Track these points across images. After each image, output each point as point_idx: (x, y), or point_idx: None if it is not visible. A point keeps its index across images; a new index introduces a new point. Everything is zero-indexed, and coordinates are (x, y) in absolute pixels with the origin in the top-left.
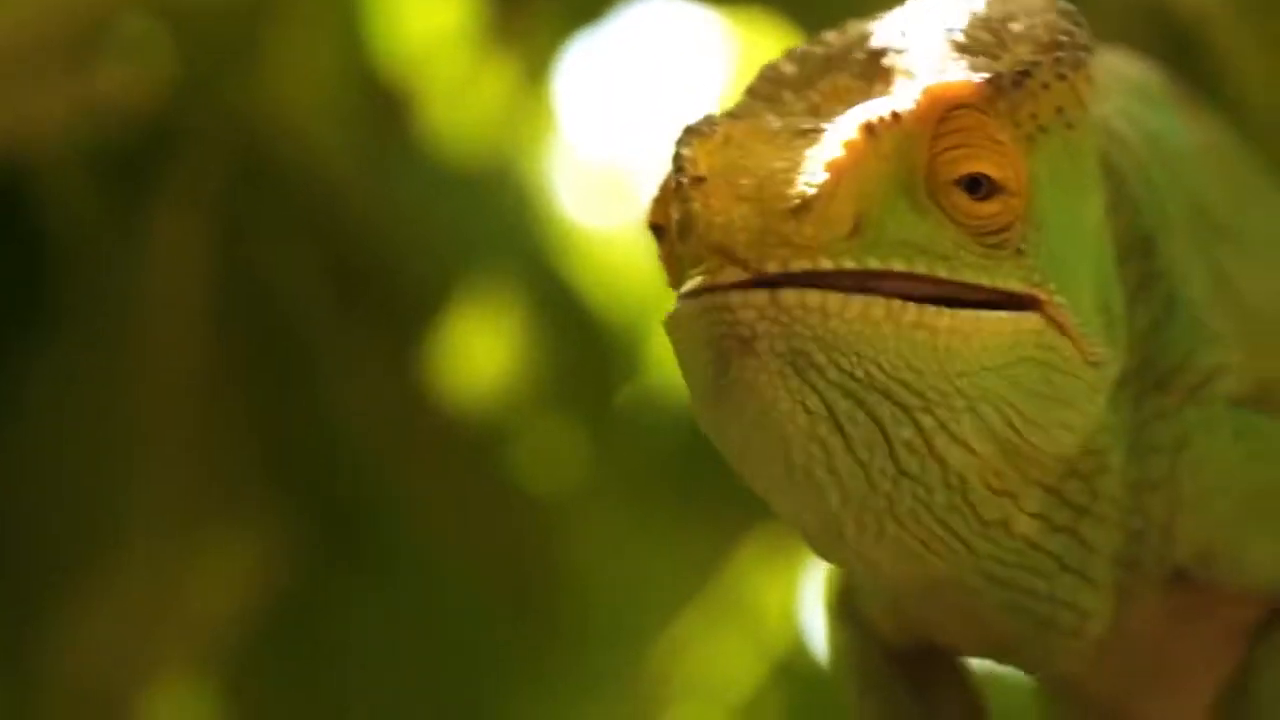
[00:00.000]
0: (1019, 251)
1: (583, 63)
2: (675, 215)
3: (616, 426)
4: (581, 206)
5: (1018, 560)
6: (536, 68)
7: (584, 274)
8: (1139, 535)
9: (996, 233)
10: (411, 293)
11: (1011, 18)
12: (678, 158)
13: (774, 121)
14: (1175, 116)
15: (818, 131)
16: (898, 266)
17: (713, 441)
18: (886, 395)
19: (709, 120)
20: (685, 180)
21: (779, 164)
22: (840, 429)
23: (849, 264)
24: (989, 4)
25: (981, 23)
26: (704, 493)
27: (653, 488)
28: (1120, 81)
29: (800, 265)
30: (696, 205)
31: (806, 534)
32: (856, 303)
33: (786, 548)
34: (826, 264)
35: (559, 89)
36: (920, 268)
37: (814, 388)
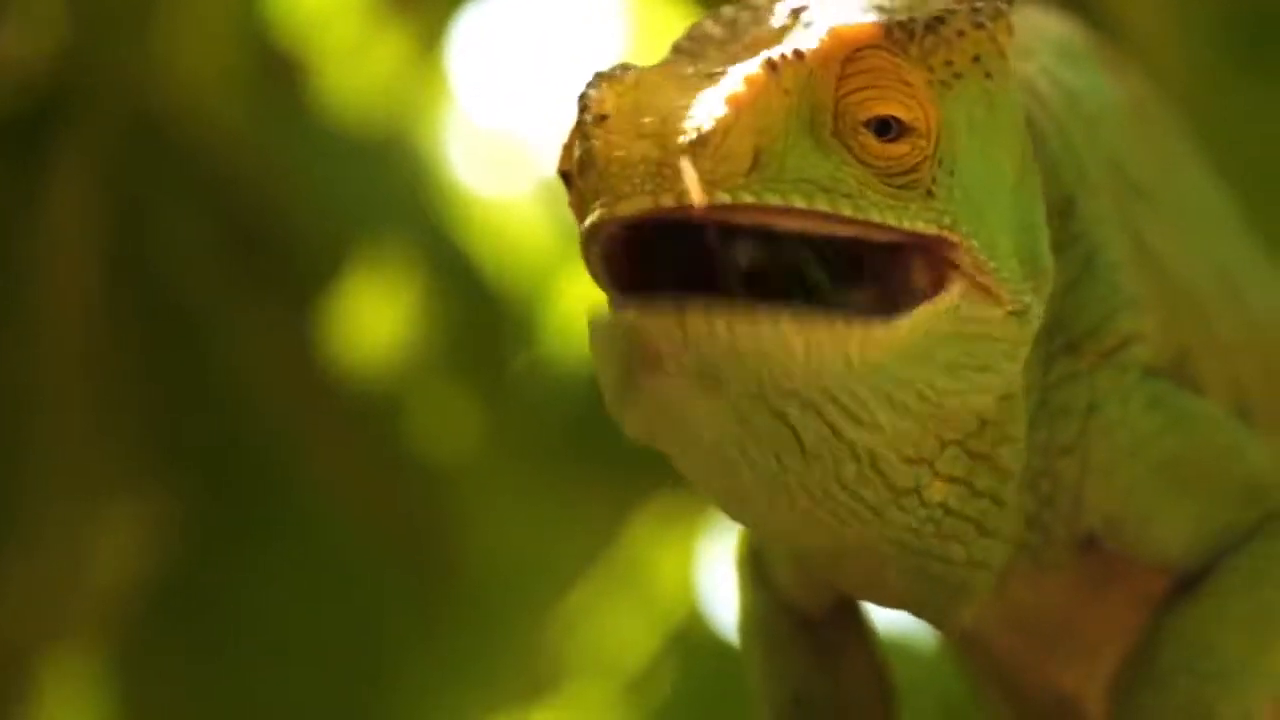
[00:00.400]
0: (928, 193)
1: (477, 30)
2: (577, 152)
3: (512, 394)
4: (477, 174)
5: (934, 529)
6: (430, 35)
7: (479, 242)
8: (1049, 499)
9: (904, 173)
10: (305, 260)
11: None
12: (584, 98)
13: (689, 69)
14: (1098, 75)
15: (726, 73)
16: (798, 203)
17: (619, 418)
18: (795, 396)
19: (622, 66)
20: (589, 118)
21: (682, 102)
22: (752, 428)
23: (746, 198)
24: None
25: None
26: (600, 462)
27: (548, 456)
28: (1043, 39)
29: (696, 198)
30: (598, 142)
31: (716, 500)
32: (765, 321)
33: (683, 517)
34: (723, 198)
35: (454, 57)
36: (822, 205)
37: (724, 401)
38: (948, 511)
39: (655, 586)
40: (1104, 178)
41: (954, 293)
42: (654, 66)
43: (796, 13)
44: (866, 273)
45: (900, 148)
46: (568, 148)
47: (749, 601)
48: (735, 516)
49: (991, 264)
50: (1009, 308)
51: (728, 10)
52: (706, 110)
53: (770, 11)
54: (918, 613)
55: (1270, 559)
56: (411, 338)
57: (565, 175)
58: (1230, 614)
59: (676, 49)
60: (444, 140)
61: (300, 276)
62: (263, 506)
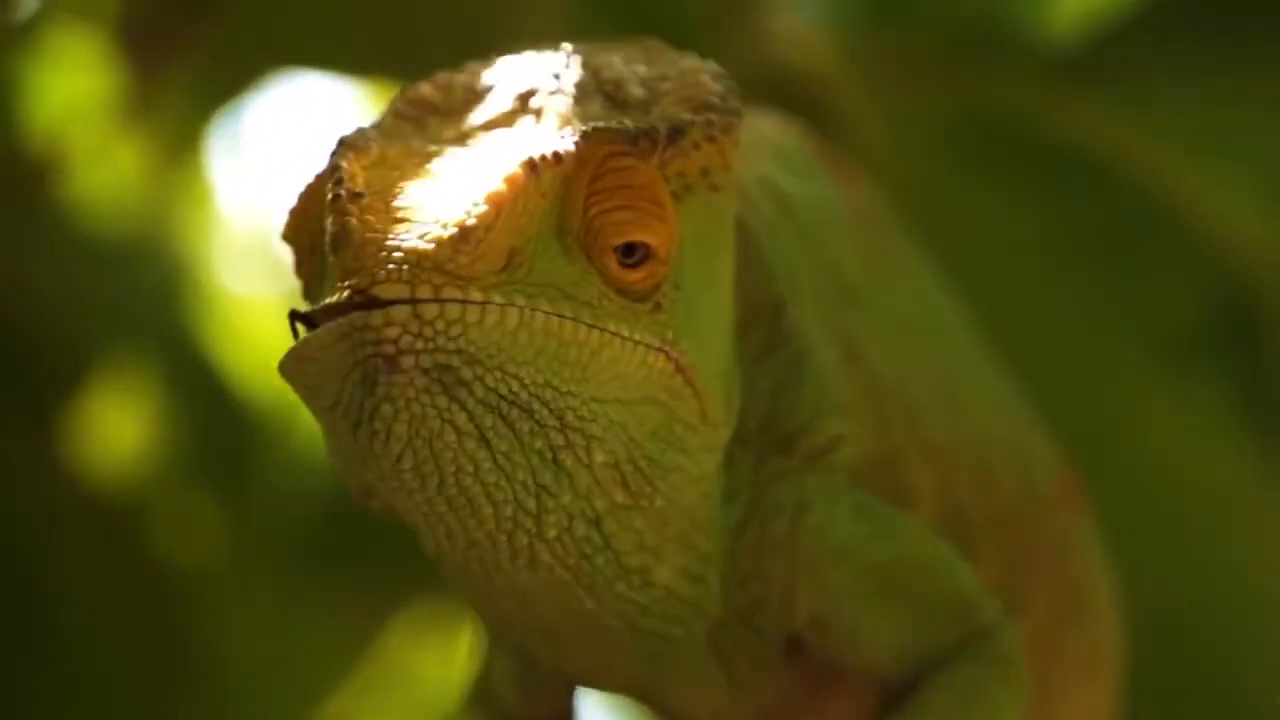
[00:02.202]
0: (657, 306)
1: (232, 135)
2: (331, 227)
3: (263, 500)
4: (236, 277)
5: (661, 609)
6: (182, 139)
7: (233, 345)
8: (761, 601)
9: (643, 292)
10: (50, 367)
11: (664, 76)
12: (335, 169)
13: (426, 146)
14: (819, 182)
15: (475, 160)
16: (544, 307)
17: (360, 488)
18: (529, 412)
19: (363, 134)
20: (343, 193)
21: (438, 187)
22: (486, 443)
23: (498, 299)
24: (642, 59)
25: (633, 76)
26: (355, 566)
27: (300, 562)
28: (762, 145)
29: (452, 294)
30: (353, 220)
31: (458, 567)
32: (493, 310)
33: (440, 621)
34: (477, 295)
35: (208, 161)
36: (565, 311)
37: (462, 405)
38: (670, 593)
39: (415, 688)
40: (817, 283)
41: (665, 360)
42: (390, 137)
43: (524, 98)
44: None
45: (638, 274)
46: (297, 215)
47: None
48: (472, 583)
49: (703, 380)
50: (708, 418)
51: (442, 76)
52: (465, 204)
53: (486, 84)
54: (651, 697)
55: (976, 679)
56: (158, 444)
57: (290, 242)
58: None
59: (396, 114)
60: (200, 243)
61: (43, 384)
62: (8, 615)
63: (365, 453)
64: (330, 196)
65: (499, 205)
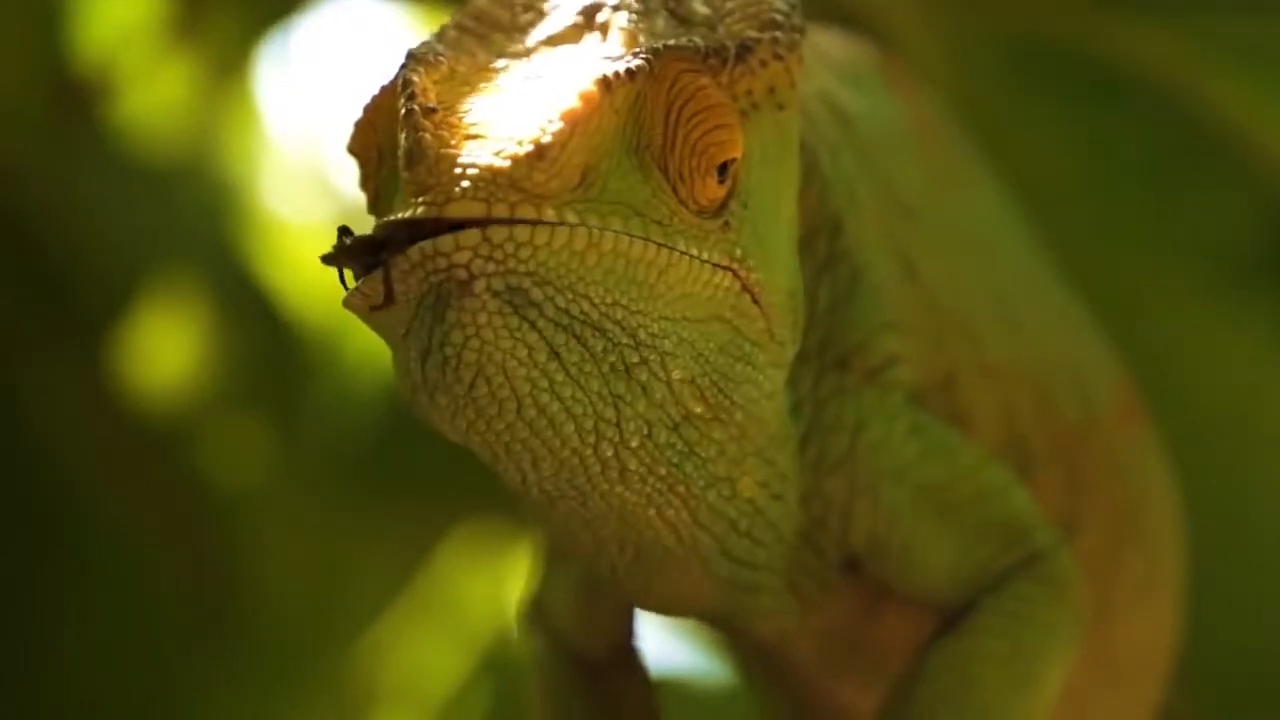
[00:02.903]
0: (726, 224)
1: (280, 59)
2: (405, 142)
3: (312, 423)
4: (284, 201)
5: (748, 526)
6: (228, 63)
7: (281, 270)
8: (821, 520)
9: (715, 210)
10: (98, 292)
11: None
12: (406, 83)
13: (494, 61)
14: (882, 98)
15: (546, 78)
16: (615, 226)
17: (427, 414)
18: (600, 330)
19: (433, 49)
20: (416, 108)
21: (511, 104)
22: (558, 356)
23: (571, 218)
24: None
25: None
26: (403, 488)
27: (350, 485)
28: (824, 60)
29: (527, 212)
30: (428, 135)
31: (549, 497)
32: (562, 233)
33: (491, 541)
34: (551, 214)
35: (257, 85)
36: (636, 229)
37: (533, 325)
38: (756, 509)
39: (464, 611)
40: (876, 200)
41: (732, 279)
42: (457, 52)
43: (589, 13)
44: None
45: (723, 189)
46: (364, 128)
47: (531, 649)
48: (565, 513)
49: (769, 297)
50: (775, 336)
51: None
52: (539, 121)
53: (553, 5)
54: (724, 621)
55: (1029, 601)
56: (206, 366)
57: (356, 155)
58: (989, 653)
59: (459, 27)
60: (248, 166)
61: (92, 308)
62: (58, 538)
63: (438, 383)
64: (403, 111)
65: (574, 122)
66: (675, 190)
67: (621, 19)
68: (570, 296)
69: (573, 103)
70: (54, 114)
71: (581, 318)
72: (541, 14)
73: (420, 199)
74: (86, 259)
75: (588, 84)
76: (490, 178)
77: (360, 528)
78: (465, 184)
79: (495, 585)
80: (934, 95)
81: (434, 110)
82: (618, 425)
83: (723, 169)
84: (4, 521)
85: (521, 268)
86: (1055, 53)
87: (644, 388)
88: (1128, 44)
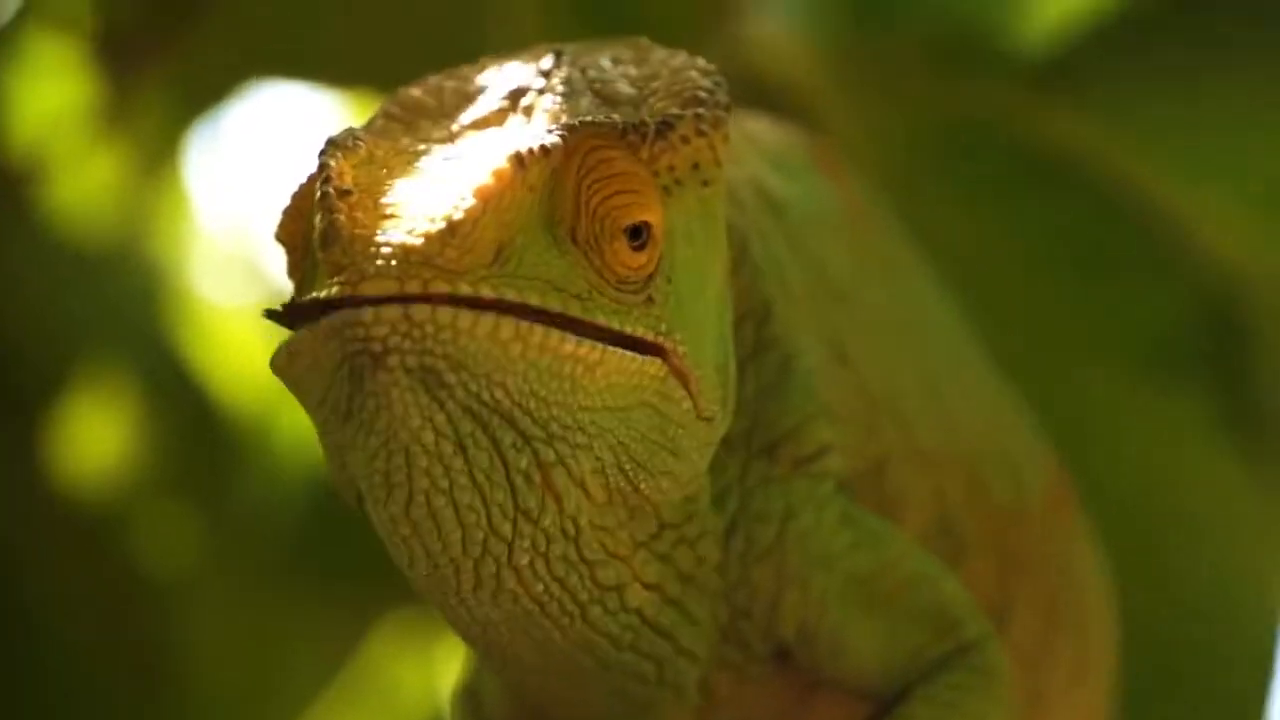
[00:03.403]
0: (649, 299)
1: (210, 145)
2: (319, 225)
3: (242, 509)
4: (214, 286)
5: (632, 641)
6: (158, 149)
7: (211, 353)
8: (746, 611)
9: (637, 282)
10: (27, 376)
11: (653, 74)
12: (323, 167)
13: (415, 145)
14: (812, 183)
15: (463, 158)
16: (533, 301)
17: (348, 489)
18: (511, 422)
19: (352, 134)
20: (331, 190)
21: (425, 184)
22: (464, 451)
23: (487, 292)
24: (630, 57)
25: (623, 74)
26: (335, 576)
27: (282, 571)
28: (753, 146)
29: (440, 288)
30: (341, 217)
31: (425, 585)
32: (487, 321)
33: (422, 630)
34: (466, 289)
35: (187, 171)
36: (555, 305)
37: (442, 405)
38: (644, 620)
39: (397, 698)
40: (806, 285)
41: (659, 365)
42: (380, 136)
43: (514, 96)
44: None
45: (641, 257)
46: (291, 215)
47: None
48: (438, 600)
49: (696, 371)
50: (702, 413)
51: (433, 79)
52: (453, 199)
53: (477, 86)
54: None
55: (960, 690)
56: (136, 452)
57: (283, 243)
58: None
59: (387, 115)
60: (179, 251)
61: (23, 392)
62: None
63: (348, 446)
64: (318, 194)
65: (486, 199)
66: (591, 262)
67: (546, 101)
68: (484, 383)
69: (486, 179)
70: None
71: (493, 405)
72: (469, 100)
73: (335, 279)
74: (16, 343)
75: (501, 161)
76: (403, 255)
77: (292, 614)
78: (379, 262)
79: (427, 672)
80: (864, 180)
81: (349, 192)
82: (510, 544)
83: (635, 235)
84: None
85: (439, 349)
86: (986, 138)
87: (557, 498)
88: (1061, 130)
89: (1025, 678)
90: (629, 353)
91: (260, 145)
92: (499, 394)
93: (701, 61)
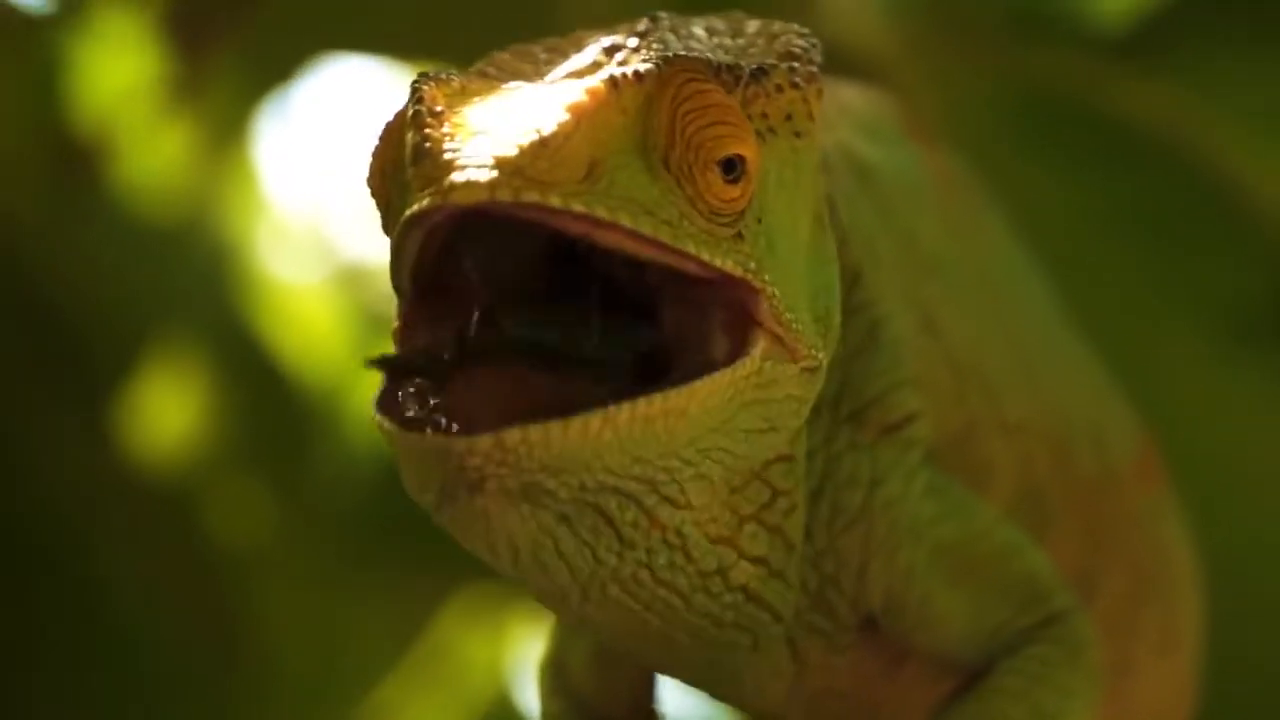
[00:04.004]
0: (739, 235)
1: (280, 120)
2: (410, 141)
3: (313, 484)
4: (281, 261)
5: (734, 616)
6: (228, 124)
7: (281, 330)
8: (834, 579)
9: (726, 215)
10: (101, 352)
11: (749, 42)
12: (414, 91)
13: (510, 82)
14: (902, 150)
15: (557, 86)
16: (624, 221)
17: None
18: (615, 491)
19: (446, 71)
20: (424, 108)
21: (518, 106)
22: (569, 523)
23: (578, 206)
24: (725, 28)
25: (718, 42)
26: (405, 552)
27: (351, 547)
28: (845, 113)
29: (531, 196)
30: (433, 131)
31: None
32: (575, 424)
33: (492, 607)
34: (556, 201)
35: (257, 145)
36: (645, 227)
37: (546, 508)
38: (749, 597)
39: (465, 677)
40: (895, 252)
41: (756, 355)
42: (474, 78)
43: (609, 51)
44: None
45: (735, 189)
46: (378, 154)
47: (549, 710)
48: (547, 605)
49: (788, 315)
50: (803, 363)
51: (525, 47)
52: (546, 115)
53: (571, 48)
54: (716, 694)
55: (1047, 663)
56: (208, 428)
57: (374, 186)
58: (1007, 714)
59: (481, 73)
60: (248, 227)
61: (94, 368)
62: (61, 599)
63: (447, 518)
64: (410, 114)
65: (579, 115)
66: (684, 190)
67: (641, 54)
68: (587, 475)
69: (579, 97)
70: (55, 174)
71: (597, 488)
72: (564, 57)
73: (425, 190)
74: (88, 320)
75: (595, 82)
76: (493, 165)
77: (362, 589)
78: (470, 171)
79: (496, 647)
80: (953, 152)
81: (440, 111)
82: (615, 568)
83: (729, 169)
84: (12, 581)
85: (535, 465)
86: (1064, 108)
87: (663, 528)
88: (1136, 99)
89: (1112, 648)
90: (717, 374)
91: (329, 121)
92: (602, 476)
93: (796, 26)
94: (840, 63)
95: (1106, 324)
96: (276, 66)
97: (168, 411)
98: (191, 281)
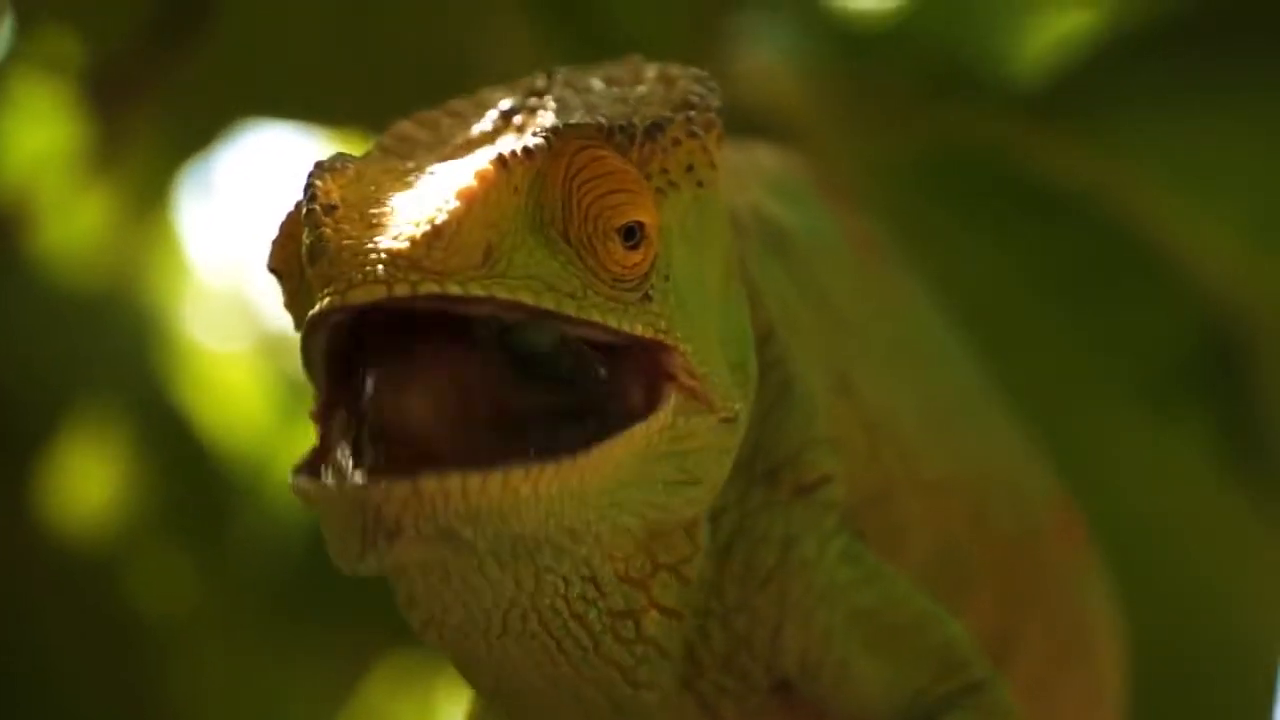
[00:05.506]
0: (646, 297)
1: (201, 188)
2: (307, 241)
3: (237, 551)
4: (206, 329)
5: (646, 674)
6: (149, 192)
7: (203, 398)
8: (746, 640)
9: (633, 280)
10: (20, 418)
11: (647, 90)
12: (309, 187)
13: (405, 164)
14: (816, 211)
15: (450, 169)
16: (525, 299)
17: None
18: (535, 539)
19: (341, 158)
20: (317, 207)
21: (411, 195)
22: (494, 557)
23: (477, 291)
24: (623, 76)
25: (616, 91)
26: (330, 619)
27: (277, 614)
28: (757, 174)
29: (429, 288)
30: (328, 230)
31: (438, 637)
32: (495, 479)
33: (418, 672)
34: (454, 288)
35: (178, 212)
36: (548, 303)
37: (464, 553)
38: (660, 651)
39: None
40: (808, 313)
41: (668, 408)
42: (370, 161)
43: (506, 115)
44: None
45: (637, 255)
46: (281, 243)
47: None
48: (454, 653)
49: (703, 369)
50: (720, 414)
51: (428, 114)
52: (437, 202)
53: (474, 118)
54: None
55: None
56: (131, 496)
57: (277, 273)
58: None
59: (381, 148)
60: (170, 294)
61: (15, 436)
62: None
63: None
64: (305, 212)
65: (470, 201)
66: (584, 261)
67: (539, 117)
68: (502, 529)
69: (469, 182)
70: None
71: (513, 539)
72: (464, 126)
73: (325, 290)
74: (7, 388)
75: (484, 163)
76: (390, 260)
77: (289, 657)
78: (366, 269)
79: (424, 714)
80: (868, 213)
81: (335, 207)
82: (534, 593)
83: (629, 235)
84: None
85: (452, 513)
86: (982, 167)
87: (584, 561)
88: (1056, 158)
89: (1035, 707)
90: (635, 429)
91: (251, 187)
92: (517, 531)
93: (694, 70)
94: (756, 123)
95: (1028, 382)
96: (196, 133)
97: (88, 480)
98: (113, 350)
